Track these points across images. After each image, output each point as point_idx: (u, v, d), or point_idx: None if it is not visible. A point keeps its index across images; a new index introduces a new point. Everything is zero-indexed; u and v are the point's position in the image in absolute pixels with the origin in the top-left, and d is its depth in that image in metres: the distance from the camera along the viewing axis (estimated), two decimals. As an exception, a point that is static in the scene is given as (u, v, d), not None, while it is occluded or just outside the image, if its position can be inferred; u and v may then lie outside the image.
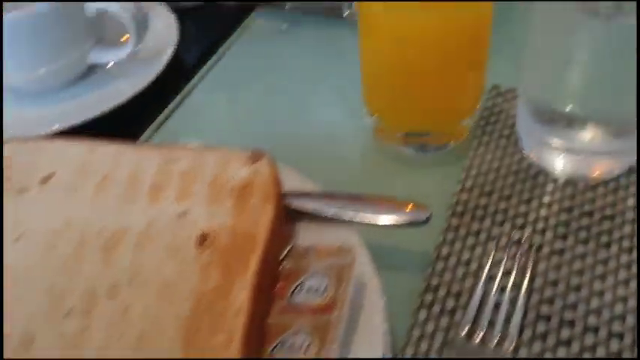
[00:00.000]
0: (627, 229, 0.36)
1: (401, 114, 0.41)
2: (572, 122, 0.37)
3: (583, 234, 0.36)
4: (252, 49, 0.55)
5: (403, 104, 0.40)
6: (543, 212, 0.37)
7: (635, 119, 0.37)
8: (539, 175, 0.39)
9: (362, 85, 0.42)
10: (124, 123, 0.47)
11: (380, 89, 0.41)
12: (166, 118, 0.48)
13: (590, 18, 0.33)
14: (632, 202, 0.37)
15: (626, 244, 0.35)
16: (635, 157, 0.38)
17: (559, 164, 0.38)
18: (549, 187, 0.39)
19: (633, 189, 0.38)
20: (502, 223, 0.37)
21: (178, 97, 0.50)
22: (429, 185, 0.41)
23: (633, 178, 0.38)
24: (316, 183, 0.37)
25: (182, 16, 0.56)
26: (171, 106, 0.49)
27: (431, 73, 0.38)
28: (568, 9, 0.34)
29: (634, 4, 0.33)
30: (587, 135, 0.37)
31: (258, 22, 0.58)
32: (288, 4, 0.57)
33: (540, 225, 0.37)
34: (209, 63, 0.53)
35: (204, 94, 0.51)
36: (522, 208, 0.38)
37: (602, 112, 0.37)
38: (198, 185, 0.34)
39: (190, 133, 0.47)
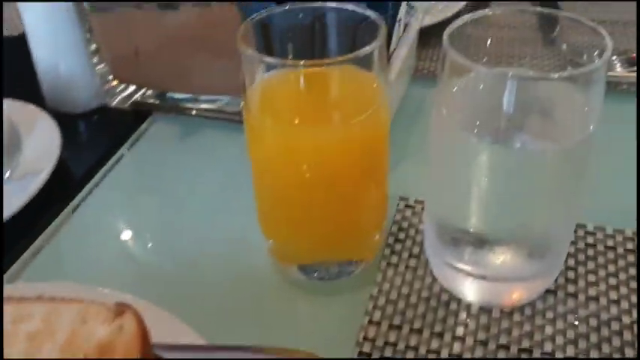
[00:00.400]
0: (547, 364, 0.33)
1: (298, 241, 0.37)
2: (480, 246, 0.34)
3: (500, 374, 0.32)
4: (148, 158, 0.51)
5: (299, 232, 0.36)
6: (457, 348, 0.34)
7: (545, 242, 0.34)
8: (451, 301, 0.36)
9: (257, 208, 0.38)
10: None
11: (272, 214, 0.37)
12: (39, 249, 0.42)
13: (488, 141, 0.31)
14: (550, 330, 0.34)
15: (547, 383, 0.32)
16: (551, 280, 0.36)
17: (470, 290, 0.35)
18: (462, 316, 0.35)
19: (550, 314, 0.35)
20: (413, 364, 0.33)
21: (57, 220, 0.44)
22: (333, 318, 0.36)
23: (550, 301, 0.36)
24: (202, 323, 0.32)
25: (69, 122, 0.52)
26: (48, 230, 0.43)
27: (326, 195, 0.34)
28: (465, 133, 0.31)
29: (534, 125, 0.32)
30: (497, 259, 0.34)
31: (155, 127, 0.54)
32: (195, 110, 0.53)
33: (454, 364, 0.33)
34: (97, 176, 0.48)
35: (88, 215, 0.45)
36: (434, 344, 0.34)
37: (511, 236, 0.34)
38: (48, 350, 0.28)
39: (68, 266, 0.41)
